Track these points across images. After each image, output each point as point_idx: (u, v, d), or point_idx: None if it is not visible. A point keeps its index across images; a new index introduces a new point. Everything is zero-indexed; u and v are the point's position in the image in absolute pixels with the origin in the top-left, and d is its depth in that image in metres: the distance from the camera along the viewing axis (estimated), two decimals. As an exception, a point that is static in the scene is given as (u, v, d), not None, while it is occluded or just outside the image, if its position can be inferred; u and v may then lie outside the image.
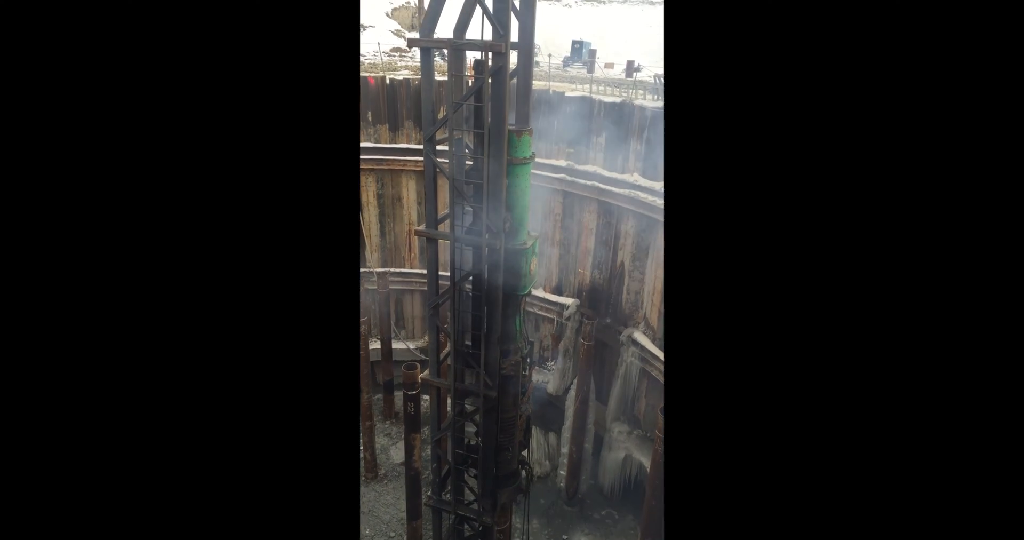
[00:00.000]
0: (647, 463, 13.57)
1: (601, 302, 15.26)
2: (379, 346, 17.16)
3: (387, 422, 18.08)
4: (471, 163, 7.34)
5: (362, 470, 16.04)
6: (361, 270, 16.76)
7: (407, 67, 18.90)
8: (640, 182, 13.27)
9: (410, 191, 17.23)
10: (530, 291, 7.91)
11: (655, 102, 13.53)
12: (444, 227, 7.60)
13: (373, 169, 16.72)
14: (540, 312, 15.96)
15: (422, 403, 13.79)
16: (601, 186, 14.09)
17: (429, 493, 9.22)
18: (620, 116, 13.72)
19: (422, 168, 7.36)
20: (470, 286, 7.73)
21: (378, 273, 17.02)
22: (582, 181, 14.48)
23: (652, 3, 32.97)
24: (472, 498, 8.99)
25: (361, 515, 14.94)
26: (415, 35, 6.62)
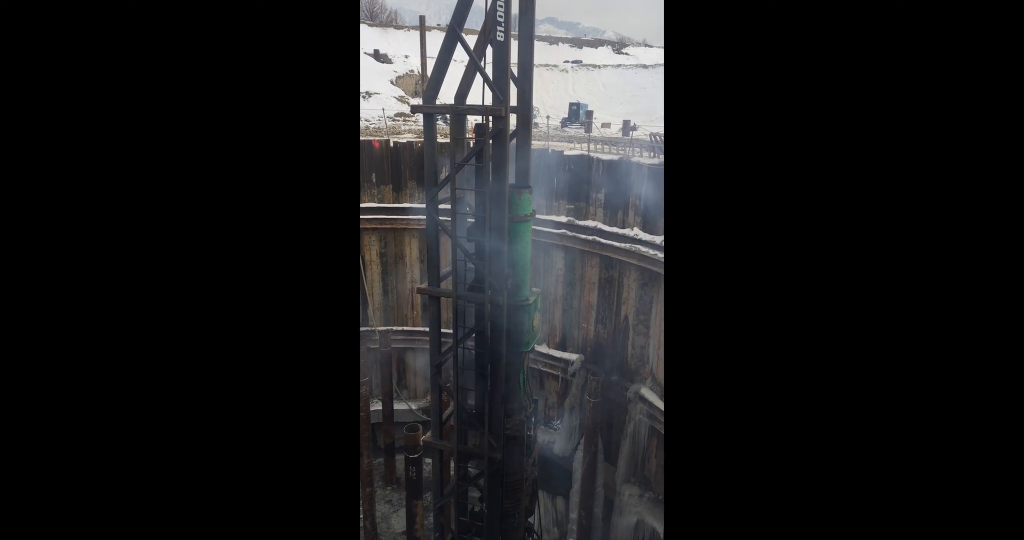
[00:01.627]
0: (660, 528, 12.90)
1: (606, 357, 15.03)
2: (380, 408, 16.78)
3: (388, 488, 17.38)
4: (472, 221, 7.43)
5: (362, 539, 15.27)
6: (363, 329, 16.65)
7: (410, 131, 19.58)
8: (640, 236, 13.40)
9: (412, 249, 17.40)
10: (534, 347, 7.79)
11: (651, 159, 13.88)
12: (447, 285, 7.59)
13: (376, 228, 16.96)
14: (544, 368, 15.69)
15: (424, 467, 13.31)
16: (602, 240, 14.22)
17: (432, 565, 8.71)
18: (618, 173, 14.04)
19: (424, 227, 7.45)
20: (473, 344, 7.62)
21: (380, 331, 16.89)
22: (583, 236, 14.63)
23: (644, 67, 34.53)
24: (477, 570, 8.48)
25: (360, 590, 14.08)
26: (418, 101, 6.88)
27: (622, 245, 13.75)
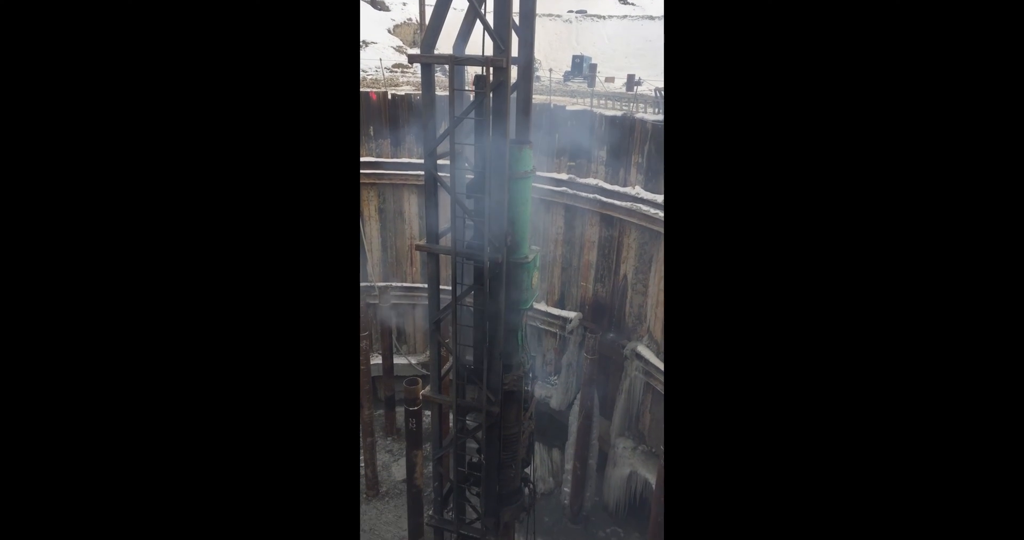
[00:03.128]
0: (653, 480, 13.36)
1: (604, 315, 15.16)
2: (380, 361, 17.04)
3: (389, 438, 17.88)
4: (472, 177, 7.31)
5: (363, 487, 15.82)
6: (362, 284, 16.71)
7: (408, 83, 19.05)
8: (642, 194, 13.26)
9: (412, 205, 17.25)
10: (532, 305, 7.83)
11: (656, 115, 13.56)
12: (445, 241, 7.55)
13: (375, 183, 16.76)
14: (543, 326, 15.85)
15: (424, 419, 13.64)
16: (602, 199, 14.07)
17: (431, 512, 9.06)
18: (621, 129, 13.75)
19: (423, 182, 7.34)
20: (471, 301, 7.65)
21: (380, 287, 16.96)
22: (583, 194, 14.47)
23: (651, 18, 33.28)
24: (475, 517, 8.83)
25: (362, 533, 14.70)
26: (416, 51, 6.63)
27: (623, 204, 13.62)
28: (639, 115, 13.65)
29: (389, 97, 16.36)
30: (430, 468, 11.63)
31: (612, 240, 14.53)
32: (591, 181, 14.42)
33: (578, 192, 14.58)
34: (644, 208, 13.08)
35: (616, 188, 13.89)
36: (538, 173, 11.05)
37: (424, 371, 17.44)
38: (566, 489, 15.66)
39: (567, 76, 22.01)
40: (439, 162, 7.17)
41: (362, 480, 15.90)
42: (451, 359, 7.96)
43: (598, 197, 14.17)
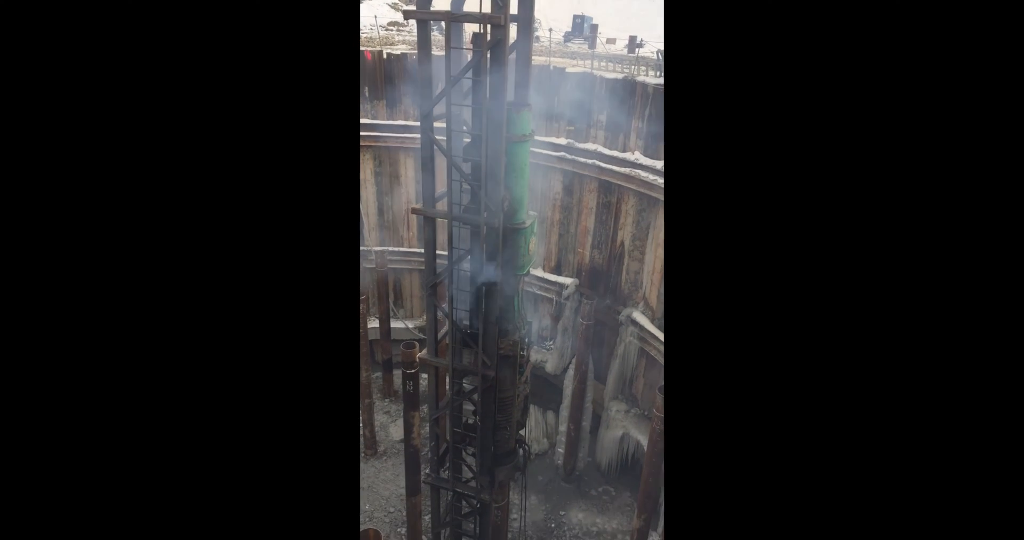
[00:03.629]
0: (644, 441, 13.70)
1: (600, 282, 15.22)
2: (378, 325, 17.17)
3: (386, 400, 18.20)
4: (469, 140, 7.20)
5: (362, 446, 16.20)
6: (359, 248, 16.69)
7: (404, 42, 18.52)
8: (641, 160, 13.11)
9: (408, 169, 17.04)
10: (529, 271, 7.84)
11: (657, 79, 13.27)
12: (442, 205, 7.49)
13: (371, 146, 16.50)
14: (539, 292, 15.93)
15: (421, 382, 13.85)
16: (601, 164, 13.92)
17: (428, 470, 9.30)
18: (622, 93, 13.48)
19: (420, 145, 7.22)
20: (468, 266, 7.65)
21: (376, 251, 16.94)
22: (582, 160, 14.30)
23: (656, -24, 32.15)
24: (470, 475, 9.07)
25: (361, 491, 15.14)
26: (412, 7, 6.42)
27: (622, 170, 13.48)
28: (640, 78, 13.35)
29: (384, 56, 15.93)
30: (427, 429, 11.90)
31: (610, 206, 14.45)
32: (590, 146, 14.23)
33: (577, 157, 14.40)
34: (643, 174, 12.96)
35: (615, 154, 13.72)
36: (536, 138, 10.88)
37: (421, 335, 17.61)
38: (560, 450, 16.07)
39: (567, 37, 21.44)
40: (436, 125, 7.04)
41: (361, 439, 16.26)
42: (448, 323, 8.02)
43: (597, 163, 14.01)
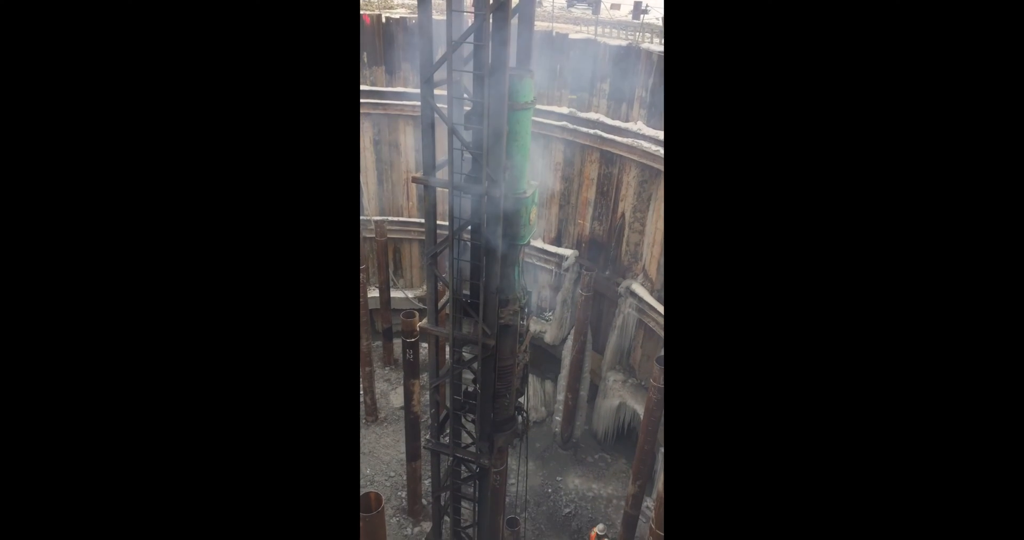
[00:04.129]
0: (641, 410, 13.94)
1: (600, 254, 15.23)
2: (378, 294, 17.25)
3: (387, 368, 18.42)
4: (470, 108, 7.09)
5: (362, 413, 16.48)
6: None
7: (404, 5, 18.03)
8: (644, 131, 12.94)
9: (407, 137, 16.83)
10: (529, 241, 7.84)
11: (662, 46, 12.99)
12: (442, 174, 7.44)
13: (369, 114, 16.26)
14: (539, 263, 15.95)
15: (421, 350, 14.00)
16: (603, 135, 13.75)
17: (428, 436, 9.49)
18: (625, 61, 13.21)
19: (419, 113, 7.11)
20: (469, 236, 7.64)
21: (376, 221, 16.87)
22: (584, 129, 14.11)
23: (663, -62, 31.11)
24: (470, 441, 9.26)
25: (362, 456, 15.47)
26: (412, -33, 6.24)
27: (624, 140, 13.32)
28: (645, 45, 13.07)
29: (383, 20, 15.55)
30: (427, 396, 12.09)
31: (611, 177, 14.34)
32: (592, 116, 14.02)
33: (579, 127, 14.21)
34: (645, 145, 12.81)
35: (618, 123, 13.54)
36: (538, 106, 10.71)
37: (421, 305, 17.70)
38: (557, 418, 16.36)
39: (570, 2, 20.89)
40: (436, 92, 6.92)
41: (362, 406, 16.54)
42: (448, 293, 8.06)
43: (599, 133, 13.83)
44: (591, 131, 13.98)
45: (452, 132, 6.78)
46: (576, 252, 15.55)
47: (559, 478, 15.38)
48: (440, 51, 6.59)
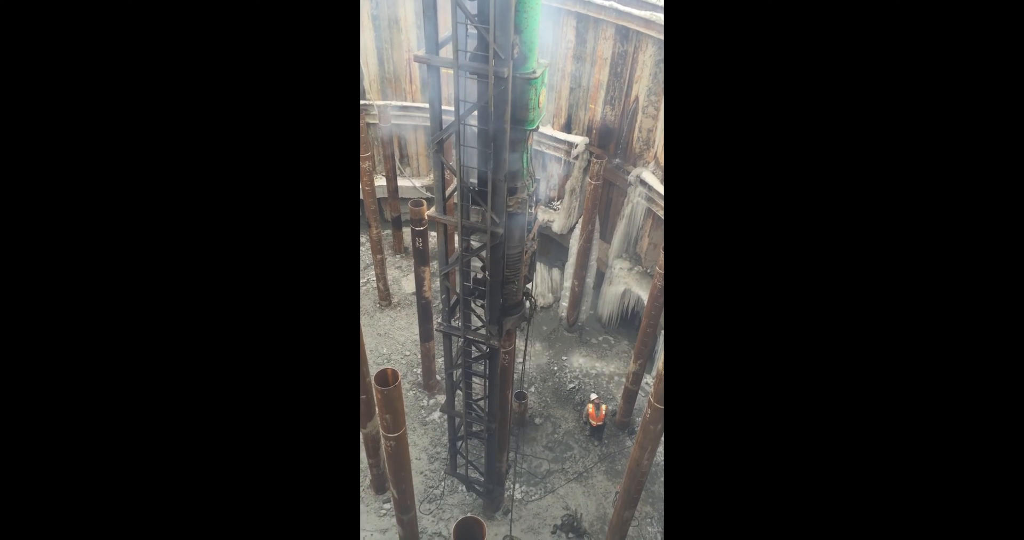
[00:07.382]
0: (644, 296, 14.39)
1: (611, 140, 14.76)
2: (385, 183, 17.11)
3: (397, 255, 18.83)
4: (475, -25, 6.48)
5: (376, 299, 17.16)
6: (361, 102, 15.95)
7: None
8: (662, 1, 11.87)
9: (408, 11, 15.60)
10: (538, 126, 7.57)
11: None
12: (446, 52, 7.00)
13: (365, -16, 14.93)
14: (548, 150, 15.53)
15: (430, 239, 14.20)
16: (619, 7, 12.65)
17: (439, 319, 9.95)
18: (648, -83, 11.74)
19: (420, -19, 6.53)
20: (476, 120, 7.38)
21: (378, 106, 16.23)
22: (598, 2, 12.96)
23: None
24: (480, 324, 9.72)
25: (378, 337, 16.37)
26: None
27: (641, 13, 12.28)
28: None
29: None
30: (437, 283, 12.48)
31: (626, 56, 13.44)
32: (608, -16, 12.80)
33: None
34: (663, 18, 11.82)
35: (636, -7, 12.40)
36: (549, -28, 9.73)
37: (428, 193, 17.61)
38: (564, 303, 16.98)
39: None
40: (437, -45, 6.29)
41: (376, 292, 17.17)
42: (455, 181, 7.97)
43: (614, 5, 12.71)
44: (606, 3, 12.84)
45: (456, 4, 6.27)
46: (586, 139, 15.06)
47: (564, 358, 16.34)
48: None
